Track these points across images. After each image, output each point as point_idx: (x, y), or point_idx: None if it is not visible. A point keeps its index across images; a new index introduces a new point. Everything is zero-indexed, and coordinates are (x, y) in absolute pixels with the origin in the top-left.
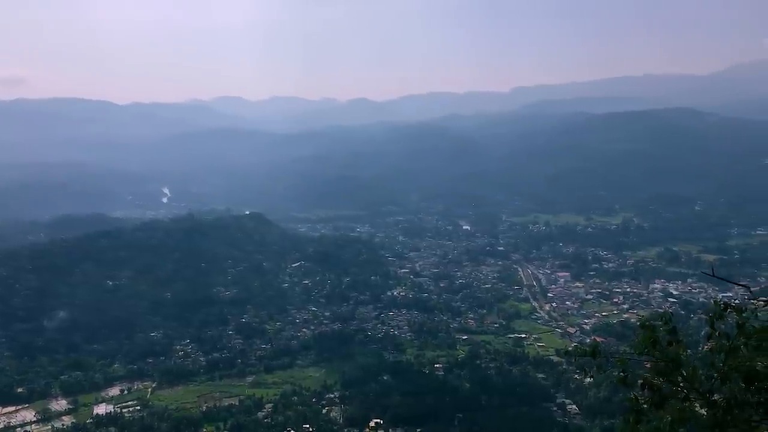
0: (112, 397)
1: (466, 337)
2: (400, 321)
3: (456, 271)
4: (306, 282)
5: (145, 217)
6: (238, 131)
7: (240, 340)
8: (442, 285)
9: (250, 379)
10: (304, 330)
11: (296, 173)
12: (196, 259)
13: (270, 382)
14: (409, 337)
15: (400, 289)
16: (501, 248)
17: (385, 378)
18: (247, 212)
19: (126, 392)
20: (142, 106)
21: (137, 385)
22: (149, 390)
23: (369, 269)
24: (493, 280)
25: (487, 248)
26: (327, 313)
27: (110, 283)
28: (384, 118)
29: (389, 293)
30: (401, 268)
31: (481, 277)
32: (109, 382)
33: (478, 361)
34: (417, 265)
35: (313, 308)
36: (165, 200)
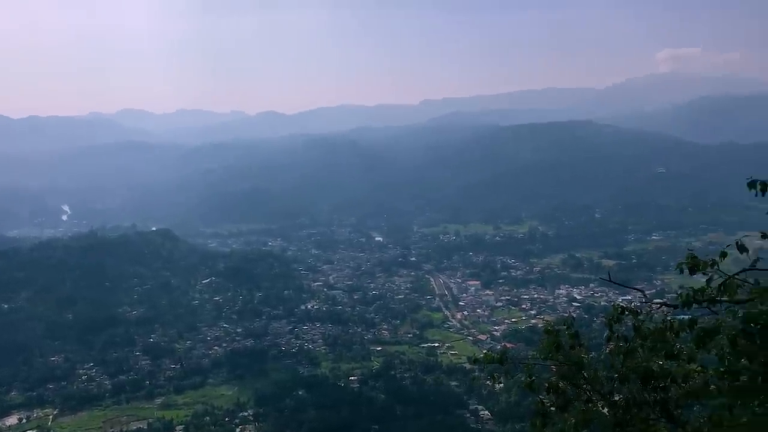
0: (10, 426)
1: (380, 348)
2: (314, 334)
3: (369, 283)
4: (217, 298)
5: (43, 236)
6: (144, 145)
7: (148, 361)
8: (355, 297)
9: (159, 400)
10: (215, 348)
11: (206, 187)
12: (100, 279)
13: (180, 403)
14: (323, 351)
15: (314, 303)
16: (413, 259)
17: (299, 393)
18: (154, 228)
19: (25, 421)
20: (39, 119)
21: (37, 413)
22: (50, 417)
23: (282, 283)
24: (406, 291)
25: (400, 259)
26: (239, 330)
27: (5, 306)
28: (295, 131)
29: (303, 307)
30: (315, 281)
31: (395, 287)
32: (6, 411)
33: (392, 372)
34: (330, 277)
35: (225, 325)
36: (65, 218)
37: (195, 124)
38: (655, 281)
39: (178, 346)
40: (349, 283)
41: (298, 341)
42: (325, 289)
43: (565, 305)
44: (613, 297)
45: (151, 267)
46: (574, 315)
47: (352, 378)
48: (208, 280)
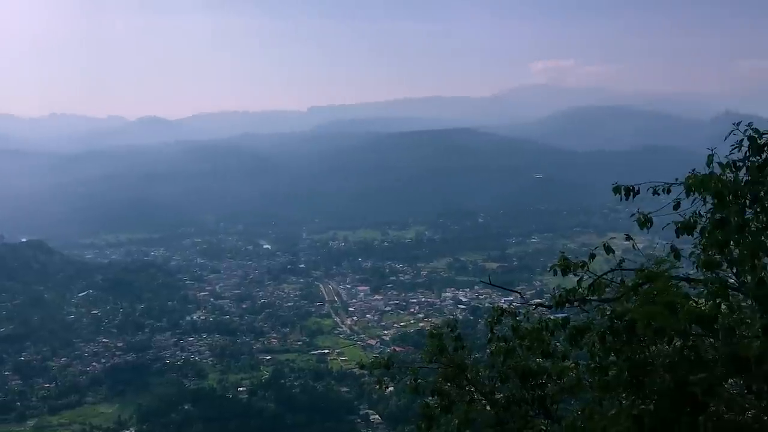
0: None
1: (269, 357)
2: (200, 346)
3: (258, 291)
4: (95, 312)
5: None
6: (11, 152)
7: (18, 381)
8: (243, 306)
9: (31, 422)
10: (94, 364)
11: (82, 196)
12: None
13: (56, 424)
14: (211, 362)
15: (200, 313)
16: (302, 266)
17: (185, 407)
18: (24, 240)
19: None
20: None
21: None
22: None
23: (165, 294)
24: (296, 298)
25: (289, 266)
26: (120, 344)
27: None
28: (177, 137)
29: (188, 318)
30: (200, 291)
31: (283, 295)
32: None
33: (282, 381)
34: (217, 287)
35: (104, 339)
36: None
37: (70, 130)
38: (534, 282)
39: (52, 363)
40: (236, 292)
41: (184, 353)
42: (211, 299)
43: (452, 308)
44: (496, 298)
45: (21, 281)
46: (460, 317)
47: (241, 389)
48: (84, 293)
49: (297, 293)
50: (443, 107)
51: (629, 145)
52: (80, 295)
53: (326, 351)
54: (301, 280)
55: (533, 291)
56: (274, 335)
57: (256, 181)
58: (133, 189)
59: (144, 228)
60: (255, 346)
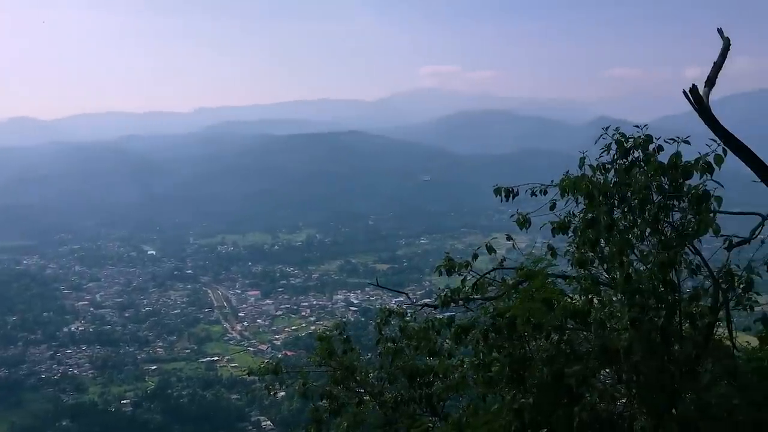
0: None
1: (155, 367)
2: (80, 358)
3: (142, 299)
4: None
5: None
6: None
7: None
8: (127, 315)
9: None
10: None
11: None
12: None
13: None
14: (91, 375)
15: (79, 324)
16: (189, 271)
17: (64, 423)
18: None
19: None
20: None
21: None
22: None
23: (40, 305)
24: (183, 305)
25: (175, 272)
26: None
27: None
28: (53, 138)
29: (66, 329)
30: (79, 300)
31: (170, 302)
32: None
33: (169, 391)
34: (98, 295)
35: None
36: None
37: None
38: (424, 282)
39: None
40: (118, 300)
41: (62, 367)
42: (91, 309)
43: (343, 310)
44: (387, 299)
45: None
46: (352, 319)
47: (125, 401)
48: None
49: (184, 300)
50: (333, 110)
51: (512, 148)
52: None
53: (216, 358)
54: (189, 287)
55: (423, 291)
56: (160, 344)
57: (140, 185)
58: (3, 194)
59: (16, 236)
60: (139, 356)
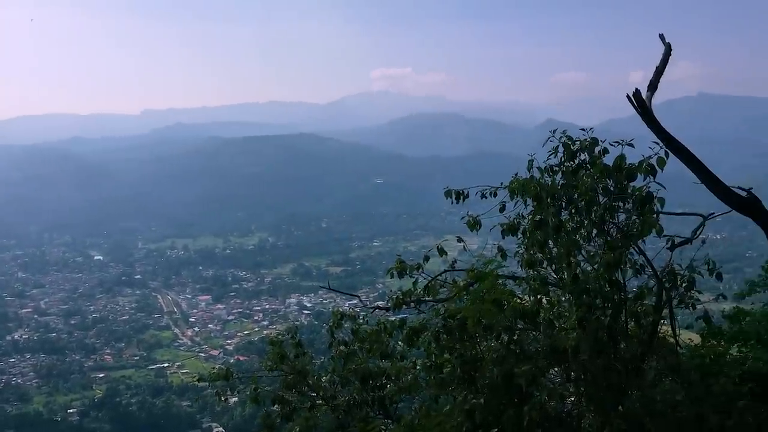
0: None
1: (103, 374)
2: (23, 367)
3: (89, 306)
4: None
5: None
6: None
7: None
8: (73, 322)
9: None
10: None
11: None
12: None
13: None
14: (36, 384)
15: (23, 332)
16: (138, 277)
17: None
18: None
19: None
20: None
21: None
22: None
23: None
24: (131, 311)
25: (123, 278)
26: None
27: None
28: None
29: (9, 338)
30: (23, 307)
31: (118, 309)
32: None
33: (118, 399)
34: (42, 302)
35: None
36: None
37: None
38: (377, 285)
39: None
40: (64, 307)
41: (4, 376)
42: (35, 316)
43: (297, 313)
44: (341, 302)
45: None
46: (305, 322)
47: (72, 410)
48: None
49: (133, 306)
50: (285, 112)
51: (463, 150)
52: None
53: (166, 365)
54: (138, 292)
55: (376, 294)
56: (108, 351)
57: (86, 189)
58: None
59: None
60: (86, 364)
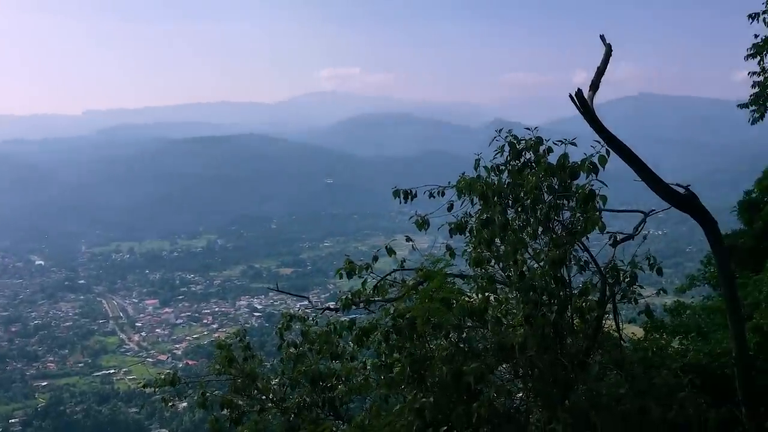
0: None
1: (46, 383)
2: None
3: (30, 312)
4: None
5: None
6: None
7: None
8: (13, 329)
9: None
10: None
11: None
12: None
13: None
14: None
15: None
16: (82, 281)
17: None
18: None
19: None
20: None
21: None
22: None
23: None
24: (75, 317)
25: (66, 283)
26: None
27: None
28: None
29: None
30: None
31: (61, 315)
32: None
33: (62, 407)
34: None
35: None
36: None
37: None
38: (328, 285)
39: None
40: (4, 314)
41: None
42: None
43: (247, 316)
44: (292, 304)
45: None
46: (256, 324)
47: (13, 420)
48: None
49: (77, 311)
50: (233, 112)
51: (412, 150)
52: None
53: (112, 371)
54: (81, 297)
55: (327, 294)
56: (51, 359)
57: (26, 192)
58: None
59: None
60: (29, 372)
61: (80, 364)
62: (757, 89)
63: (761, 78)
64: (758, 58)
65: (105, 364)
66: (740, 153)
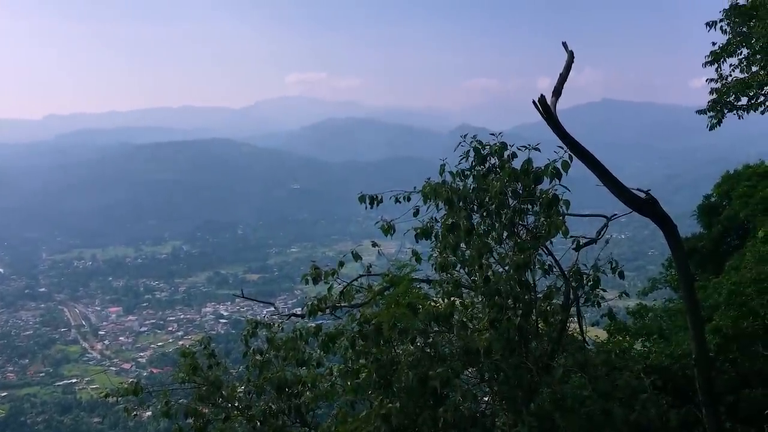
0: None
1: (6, 393)
2: None
3: None
4: None
5: None
6: None
7: None
8: None
9: None
10: None
11: None
12: None
13: None
14: None
15: None
16: (43, 289)
17: None
18: None
19: None
20: None
21: None
22: None
23: None
24: (36, 326)
25: (26, 291)
26: None
27: None
28: None
29: None
30: None
31: (21, 323)
32: None
33: (23, 418)
34: None
35: None
36: None
37: None
38: (295, 291)
39: None
40: None
41: None
42: None
43: (213, 323)
44: (258, 310)
45: None
46: (222, 331)
47: None
48: None
49: (37, 320)
50: (198, 117)
51: (379, 155)
52: None
53: (74, 380)
54: (42, 305)
55: (294, 300)
56: (11, 368)
57: None
58: None
59: None
60: None
61: (41, 374)
62: (714, 96)
63: (718, 85)
64: (716, 65)
65: (67, 373)
66: (699, 158)
